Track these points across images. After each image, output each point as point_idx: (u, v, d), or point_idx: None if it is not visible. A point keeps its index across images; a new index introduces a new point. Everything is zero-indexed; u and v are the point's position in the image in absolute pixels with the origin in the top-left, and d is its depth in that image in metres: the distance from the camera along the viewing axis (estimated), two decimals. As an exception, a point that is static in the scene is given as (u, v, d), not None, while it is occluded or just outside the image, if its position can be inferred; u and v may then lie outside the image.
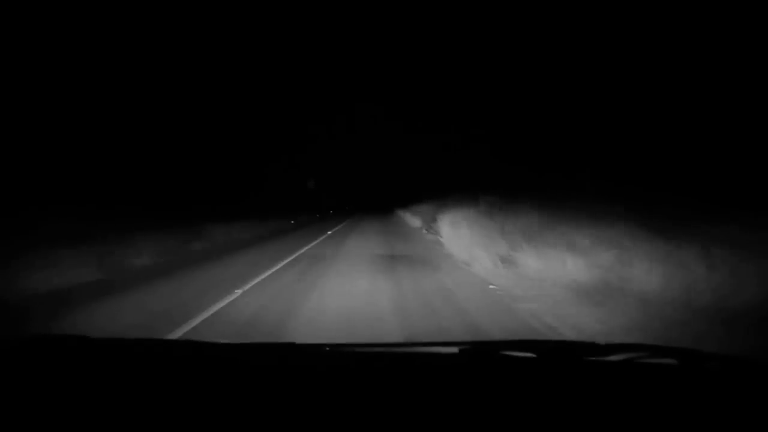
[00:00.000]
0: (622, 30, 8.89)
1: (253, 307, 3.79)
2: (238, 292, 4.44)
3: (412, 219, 17.39)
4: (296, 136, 34.28)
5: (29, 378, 0.92)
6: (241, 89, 23.82)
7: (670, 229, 4.83)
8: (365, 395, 0.81)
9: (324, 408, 0.76)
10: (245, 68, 24.26)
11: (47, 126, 11.36)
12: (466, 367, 1.00)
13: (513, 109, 13.76)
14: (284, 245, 9.34)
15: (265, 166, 27.19)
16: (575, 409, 0.75)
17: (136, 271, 6.19)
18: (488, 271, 5.37)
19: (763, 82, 6.36)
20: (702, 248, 3.93)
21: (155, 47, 15.55)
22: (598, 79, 9.49)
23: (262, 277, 5.32)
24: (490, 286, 4.59)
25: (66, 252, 6.72)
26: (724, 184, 6.14)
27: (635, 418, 0.72)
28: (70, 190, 11.65)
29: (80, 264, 6.08)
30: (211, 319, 3.48)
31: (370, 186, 52.33)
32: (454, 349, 1.04)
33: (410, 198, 26.48)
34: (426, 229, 12.26)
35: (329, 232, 12.92)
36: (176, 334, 3.06)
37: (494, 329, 3.05)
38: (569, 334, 2.95)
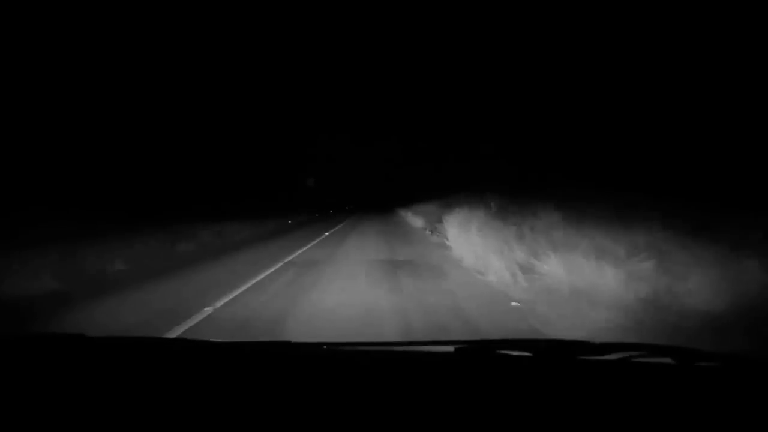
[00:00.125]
0: (633, 28, 8.13)
1: (221, 336, 3.02)
2: (208, 311, 3.68)
3: (413, 219, 16.62)
4: (296, 136, 33.65)
5: (25, 376, 0.92)
6: (242, 90, 23.25)
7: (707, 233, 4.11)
8: (361, 394, 0.82)
9: (320, 406, 0.76)
10: (247, 69, 23.67)
11: (37, 124, 10.69)
12: (461, 365, 0.99)
13: (520, 108, 13.01)
14: (276, 248, 8.58)
15: (265, 166, 26.66)
16: (571, 408, 0.74)
17: (101, 279, 5.43)
18: (506, 283, 4.59)
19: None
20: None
21: (153, 49, 14.98)
22: (610, 78, 8.72)
23: (242, 289, 4.55)
24: (513, 304, 3.81)
25: (35, 258, 6.01)
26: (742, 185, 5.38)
27: (631, 416, 0.71)
28: (62, 192, 11.00)
29: (40, 271, 5.34)
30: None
31: (371, 185, 51.56)
32: (450, 348, 1.03)
33: (411, 197, 25.95)
34: (430, 230, 11.48)
35: (326, 234, 12.15)
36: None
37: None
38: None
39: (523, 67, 12.65)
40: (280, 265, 6.26)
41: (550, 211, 5.17)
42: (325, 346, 1.11)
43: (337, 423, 0.70)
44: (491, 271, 5.21)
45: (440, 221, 10.44)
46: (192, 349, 1.17)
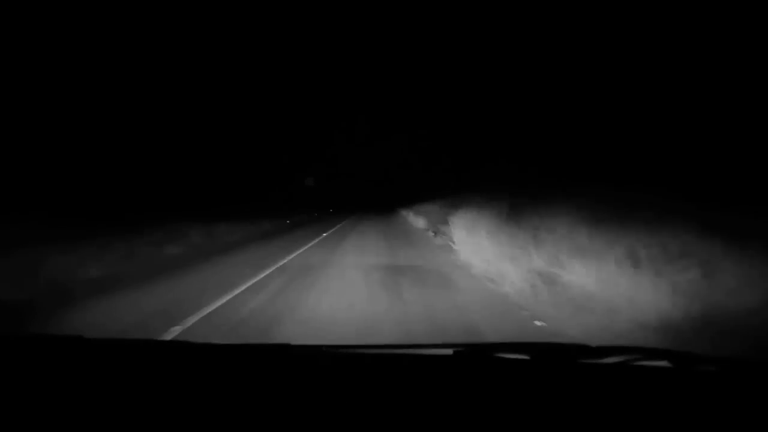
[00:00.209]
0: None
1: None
2: (176, 329, 3.11)
3: (415, 219, 16.05)
4: (296, 135, 33.14)
5: (23, 376, 0.93)
6: (241, 88, 22.71)
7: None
8: (358, 396, 0.82)
9: (317, 409, 0.76)
10: (246, 67, 23.11)
11: (20, 121, 10.15)
12: (459, 368, 0.99)
13: (534, 103, 12.39)
14: (269, 251, 7.99)
15: (265, 165, 26.20)
16: (568, 412, 0.74)
17: (66, 290, 4.85)
18: (525, 295, 4.00)
19: None
20: None
21: (143, 44, 14.46)
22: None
23: (222, 302, 3.97)
24: (537, 323, 3.21)
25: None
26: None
27: (629, 420, 0.72)
28: (42, 192, 10.48)
29: None
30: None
31: (371, 184, 50.98)
32: (449, 351, 1.02)
33: (413, 197, 25.46)
34: (433, 231, 10.90)
35: (324, 235, 11.56)
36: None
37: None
38: None
39: (539, 59, 12.03)
40: (269, 271, 5.69)
41: (572, 212, 4.58)
42: (322, 349, 1.10)
43: (336, 425, 0.71)
44: (506, 280, 4.62)
45: (444, 222, 9.86)
46: (191, 351, 1.15)
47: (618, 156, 7.12)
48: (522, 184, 7.85)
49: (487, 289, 4.43)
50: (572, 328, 3.05)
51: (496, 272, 5.01)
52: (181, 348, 1.25)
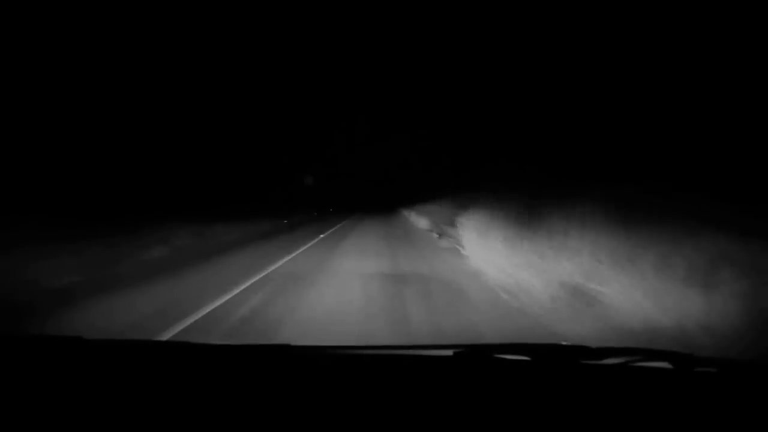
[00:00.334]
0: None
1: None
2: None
3: (417, 219, 15.43)
4: (296, 135, 32.57)
5: (23, 377, 0.92)
6: (240, 87, 22.13)
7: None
8: (358, 397, 0.81)
9: (317, 409, 0.75)
10: (245, 67, 22.51)
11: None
12: (460, 369, 0.98)
13: (529, 107, 11.75)
14: (260, 254, 7.37)
15: (264, 165, 25.66)
16: (569, 413, 0.74)
17: (30, 299, 4.22)
18: (550, 315, 3.36)
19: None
20: None
21: (138, 42, 13.92)
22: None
23: (200, 314, 3.37)
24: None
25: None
26: None
27: (630, 421, 0.71)
28: (27, 191, 9.89)
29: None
30: None
31: (372, 184, 50.35)
32: (449, 352, 1.02)
33: (413, 196, 24.91)
34: (438, 233, 10.26)
35: (321, 236, 10.93)
36: None
37: None
38: None
39: (543, 55, 11.36)
40: (261, 276, 5.08)
41: (604, 215, 3.95)
42: (322, 350, 1.10)
43: (336, 425, 0.70)
44: (525, 293, 3.99)
45: (450, 223, 9.23)
46: (191, 351, 1.13)
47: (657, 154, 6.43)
48: (541, 184, 7.18)
49: (504, 304, 3.79)
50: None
51: (513, 283, 4.37)
52: (181, 348, 1.22)
